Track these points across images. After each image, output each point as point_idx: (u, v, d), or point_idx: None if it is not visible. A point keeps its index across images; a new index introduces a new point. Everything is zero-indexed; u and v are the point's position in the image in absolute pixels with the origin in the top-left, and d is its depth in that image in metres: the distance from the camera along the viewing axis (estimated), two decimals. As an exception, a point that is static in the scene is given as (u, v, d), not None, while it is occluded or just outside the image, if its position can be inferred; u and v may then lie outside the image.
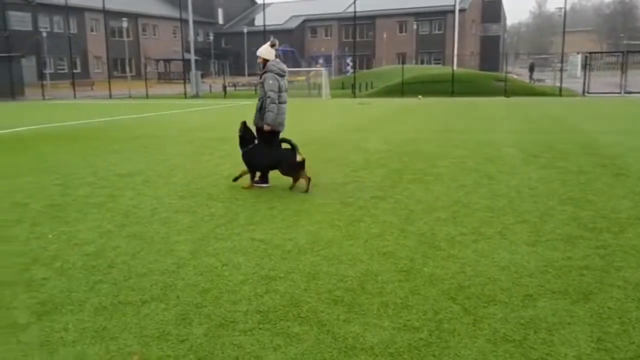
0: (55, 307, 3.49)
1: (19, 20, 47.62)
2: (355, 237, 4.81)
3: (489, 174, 7.58)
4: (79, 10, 52.12)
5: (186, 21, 37.41)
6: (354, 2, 34.31)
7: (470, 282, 3.78)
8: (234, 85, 42.45)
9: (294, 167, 6.51)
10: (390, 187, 6.83)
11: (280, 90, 6.65)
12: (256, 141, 6.81)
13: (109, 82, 35.95)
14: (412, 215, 5.51)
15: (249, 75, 56.80)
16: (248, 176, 6.85)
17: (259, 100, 6.83)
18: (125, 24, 43.96)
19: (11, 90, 33.35)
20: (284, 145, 6.64)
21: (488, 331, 3.10)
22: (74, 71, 40.32)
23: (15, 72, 34.61)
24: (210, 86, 39.58)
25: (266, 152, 6.72)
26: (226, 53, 69.77)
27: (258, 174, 6.90)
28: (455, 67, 33.15)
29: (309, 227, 5.11)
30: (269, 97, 6.57)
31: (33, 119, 18.33)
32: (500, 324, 3.18)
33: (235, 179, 6.98)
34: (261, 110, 6.73)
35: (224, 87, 35.99)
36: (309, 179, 6.56)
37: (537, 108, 20.28)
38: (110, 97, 34.25)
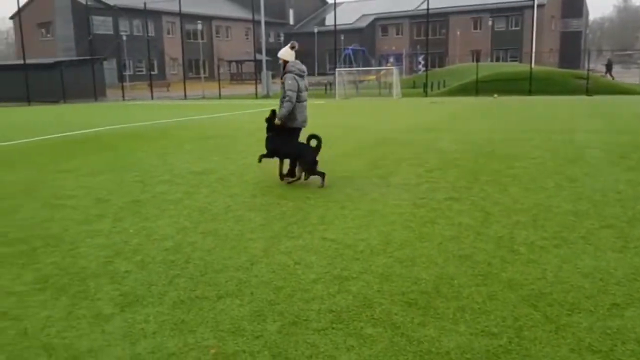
0: (136, 299, 3.62)
1: (101, 25, 50.12)
2: (429, 239, 4.70)
3: (570, 176, 7.23)
4: (157, 14, 54.29)
5: (258, 22, 38.11)
6: (427, 0, 33.75)
7: (552, 289, 3.61)
8: (304, 85, 42.82)
9: (312, 165, 6.92)
10: (466, 188, 6.65)
11: (299, 90, 7.02)
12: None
13: (184, 83, 37.21)
14: (489, 217, 5.33)
15: (319, 74, 57.18)
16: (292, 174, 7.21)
17: (281, 99, 7.15)
18: (199, 27, 45.40)
19: (94, 91, 35.20)
20: (312, 142, 7.01)
21: (572, 340, 2.94)
22: (151, 73, 41.99)
23: (97, 74, 36.54)
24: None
25: (284, 142, 7.11)
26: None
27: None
28: (533, 65, 31.90)
29: (382, 228, 5.05)
30: (286, 95, 6.91)
31: (114, 119, 19.23)
32: (585, 333, 3.01)
33: (260, 160, 7.51)
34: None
35: (295, 87, 36.35)
36: (323, 174, 6.92)
37: (623, 107, 19.20)
38: (185, 97, 35.44)
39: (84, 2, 44.54)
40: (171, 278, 3.97)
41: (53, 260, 4.43)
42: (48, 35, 56.21)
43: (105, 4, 50.37)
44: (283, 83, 7.01)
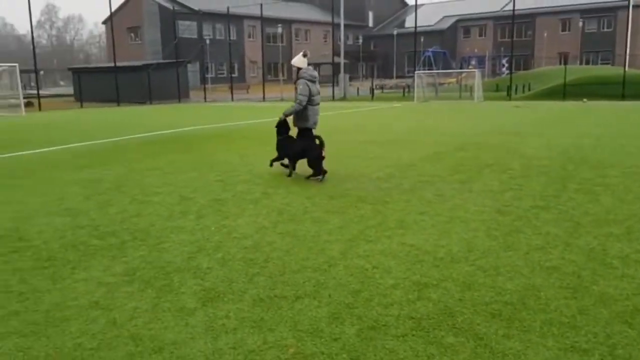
0: (218, 295, 3.71)
1: (186, 29, 52.12)
2: (514, 249, 4.52)
3: (669, 186, 6.73)
4: (239, 18, 55.84)
5: (337, 25, 38.33)
6: (513, 0, 32.66)
7: (650, 307, 3.36)
8: (381, 88, 42.65)
9: (318, 160, 7.54)
10: (554, 196, 6.34)
11: (312, 94, 7.70)
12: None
13: (263, 86, 38.04)
14: (579, 228, 5.05)
15: (397, 77, 56.72)
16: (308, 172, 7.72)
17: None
18: (280, 30, 46.26)
19: (178, 93, 36.67)
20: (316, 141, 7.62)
21: (674, 364, 2.72)
22: (232, 75, 43.21)
23: (181, 76, 38.07)
24: (358, 89, 40.15)
25: (294, 143, 7.85)
26: (375, 55, 70.37)
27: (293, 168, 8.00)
28: (627, 68, 30.10)
29: (463, 235, 4.91)
30: (297, 99, 7.61)
31: (196, 120, 19.94)
32: (688, 357, 2.78)
33: (271, 164, 8.17)
34: (297, 112, 7.75)
35: (372, 90, 36.29)
36: (325, 172, 7.59)
37: None
38: (264, 99, 36.20)
39: (171, 8, 46.58)
40: (251, 276, 4.04)
41: (140, 254, 4.62)
42: (137, 39, 59.14)
43: (190, 9, 52.37)
44: (295, 88, 7.68)
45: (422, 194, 6.59)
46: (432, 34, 62.42)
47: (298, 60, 7.81)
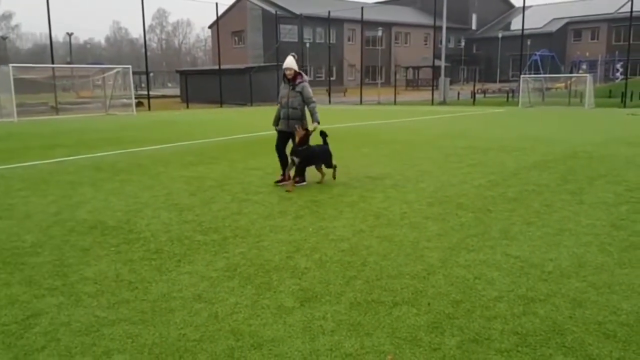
0: (315, 295, 3.73)
1: (287, 33, 53.35)
2: (631, 266, 4.17)
3: None
4: (339, 22, 56.35)
5: (439, 28, 37.61)
6: (631, 1, 30.45)
7: None
8: (484, 93, 41.32)
9: (331, 161, 7.74)
10: (676, 211, 5.81)
11: None
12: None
13: (361, 89, 38.08)
14: None
15: (501, 81, 54.72)
16: (289, 182, 7.51)
17: (289, 108, 7.57)
18: (379, 33, 46.13)
19: (277, 95, 37.59)
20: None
21: None
22: (330, 79, 43.65)
23: (281, 79, 38.97)
24: (459, 93, 39.16)
25: (316, 149, 7.71)
26: (477, 59, 68.35)
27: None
28: None
29: (574, 249, 4.60)
30: (313, 102, 7.57)
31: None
32: None
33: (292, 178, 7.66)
34: (294, 117, 7.54)
35: (473, 94, 35.26)
36: (324, 174, 7.79)
37: None
38: (361, 103, 36.24)
39: (273, 12, 47.86)
40: (348, 279, 4.02)
41: (241, 251, 4.75)
42: (240, 43, 61.37)
43: (292, 13, 53.59)
44: (299, 92, 7.47)
45: (529, 204, 6.27)
46: (540, 37, 59.60)
47: (295, 63, 7.57)
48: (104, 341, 3.13)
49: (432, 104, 33.22)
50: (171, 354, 2.98)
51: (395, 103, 34.84)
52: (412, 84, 59.20)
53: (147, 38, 33.91)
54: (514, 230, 5.21)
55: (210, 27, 65.83)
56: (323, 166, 7.81)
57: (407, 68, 62.72)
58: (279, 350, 2.99)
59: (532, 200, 6.43)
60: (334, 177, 7.84)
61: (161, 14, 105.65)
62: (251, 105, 35.18)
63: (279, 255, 4.62)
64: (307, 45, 50.72)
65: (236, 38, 61.96)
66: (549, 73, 43.13)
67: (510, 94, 35.51)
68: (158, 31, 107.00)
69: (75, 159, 10.72)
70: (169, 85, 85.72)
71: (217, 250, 4.78)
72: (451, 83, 38.90)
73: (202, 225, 5.60)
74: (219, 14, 42.43)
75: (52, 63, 31.45)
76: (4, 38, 59.29)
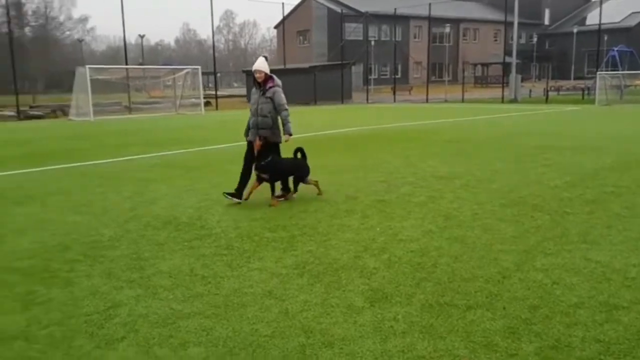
0: (385, 296, 3.68)
1: (352, 31, 53.21)
2: None
3: None
4: (405, 19, 55.70)
5: (510, 24, 36.47)
6: None
7: None
8: (557, 90, 39.73)
9: (306, 175, 6.85)
10: None
11: None
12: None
13: (427, 87, 37.49)
14: None
15: (576, 78, 52.48)
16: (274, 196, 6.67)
17: (258, 115, 6.66)
18: (447, 30, 45.26)
19: (341, 94, 37.62)
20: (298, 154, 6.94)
21: None
22: (395, 77, 43.23)
23: (345, 78, 38.97)
24: (530, 90, 37.82)
25: (286, 162, 6.86)
26: (550, 55, 65.73)
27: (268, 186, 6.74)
28: None
29: (660, 255, 4.34)
30: (286, 109, 6.64)
31: (359, 121, 20.26)
32: None
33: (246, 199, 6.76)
34: (264, 126, 6.63)
35: (546, 92, 33.98)
36: (316, 181, 6.99)
37: None
38: (427, 101, 35.69)
39: (339, 11, 47.92)
40: (418, 280, 3.95)
41: (309, 249, 4.77)
42: (305, 42, 61.80)
43: (357, 11, 53.42)
44: (269, 98, 6.60)
45: (608, 206, 5.96)
46: (618, 32, 56.60)
47: (266, 66, 6.60)
48: (180, 333, 3.21)
49: (502, 101, 32.25)
50: (244, 348, 3.02)
51: (463, 101, 34.08)
52: (481, 81, 57.71)
53: (214, 39, 34.80)
54: (594, 233, 4.97)
55: (275, 27, 66.68)
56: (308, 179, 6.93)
57: (475, 65, 61.19)
58: (350, 349, 2.97)
59: (611, 203, 6.11)
60: (319, 193, 6.93)
61: (228, 16, 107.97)
62: (315, 104, 35.38)
63: (346, 254, 4.60)
64: (372, 43, 50.39)
65: (301, 37, 62.45)
66: (628, 70, 40.98)
67: (586, 92, 33.97)
68: (225, 32, 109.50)
69: (148, 157, 11.12)
70: (235, 85, 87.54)
71: (286, 248, 4.82)
72: (522, 80, 37.59)
73: (270, 223, 5.66)
74: (285, 14, 42.98)
75: (126, 64, 32.83)
76: (80, 40, 62.31)
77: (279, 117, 6.72)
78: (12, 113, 26.84)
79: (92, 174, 9.07)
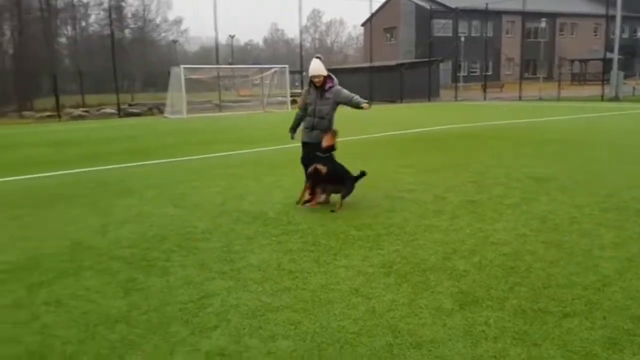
0: (475, 300, 3.58)
1: (441, 28, 52.13)
2: None
3: None
4: (497, 14, 53.72)
5: (612, 17, 34.29)
6: None
7: None
8: (665, 87, 36.89)
9: (347, 192, 6.31)
10: None
11: None
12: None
13: (520, 84, 36.04)
14: None
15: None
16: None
17: (315, 117, 6.39)
18: (542, 25, 43.27)
19: (428, 91, 36.97)
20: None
21: None
22: (486, 73, 41.89)
23: (433, 75, 38.26)
24: (634, 88, 35.38)
25: (341, 166, 6.41)
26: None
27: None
28: None
29: None
30: (354, 95, 6.39)
31: (447, 119, 19.81)
32: None
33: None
34: (321, 127, 6.38)
35: (651, 89, 31.65)
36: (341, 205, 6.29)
37: None
38: (520, 99, 34.31)
39: (427, 7, 47.12)
40: (511, 285, 3.81)
41: (395, 248, 4.72)
42: (392, 40, 61.25)
43: (447, 7, 52.28)
44: (329, 98, 6.33)
45: None
46: None
47: (322, 68, 6.30)
48: (269, 325, 3.29)
49: (602, 100, 30.39)
50: (332, 344, 3.04)
51: (559, 99, 32.45)
52: (578, 78, 54.70)
53: (301, 38, 35.27)
54: None
55: (362, 24, 66.60)
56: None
57: (572, 61, 58.05)
58: (439, 352, 2.91)
59: None
60: (332, 210, 6.17)
61: (315, 15, 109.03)
62: (401, 102, 35.01)
63: (435, 255, 4.52)
64: (462, 39, 49.11)
65: (388, 34, 61.98)
66: None
67: None
68: (312, 31, 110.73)
69: (237, 154, 11.47)
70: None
71: (372, 246, 4.80)
72: (625, 77, 35.24)
73: (356, 221, 5.66)
74: (373, 11, 42.85)
75: (217, 64, 34.03)
76: (174, 42, 65.22)
77: (333, 119, 6.51)
78: (113, 110, 28.64)
79: (185, 169, 9.48)
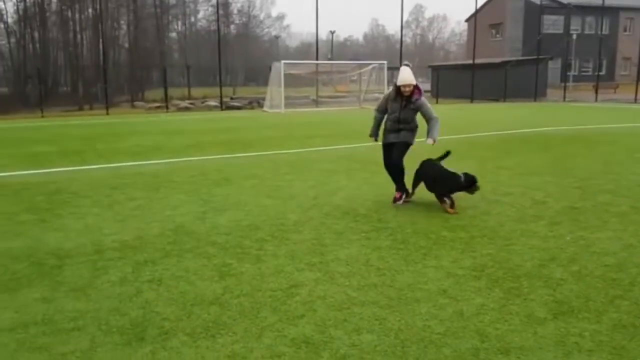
0: (571, 310, 3.42)
1: (551, 24, 49.59)
2: None
3: None
4: (614, 10, 50.27)
5: None
6: None
7: None
8: None
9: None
10: None
11: None
12: None
13: (636, 85, 33.49)
14: None
15: None
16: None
17: (400, 123, 6.34)
18: (665, 22, 39.91)
19: (534, 91, 35.29)
20: None
21: None
22: (599, 73, 39.32)
23: (540, 74, 36.45)
24: None
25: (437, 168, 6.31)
26: None
27: None
28: None
29: None
30: (436, 117, 6.32)
31: (554, 120, 18.84)
32: None
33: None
34: (406, 129, 6.37)
35: None
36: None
37: None
38: (635, 101, 31.92)
39: (537, 3, 44.91)
40: (612, 298, 3.59)
41: (489, 252, 4.60)
42: (497, 36, 59.04)
43: (559, 2, 49.60)
44: (414, 109, 6.26)
45: None
46: None
47: (413, 77, 6.18)
48: (355, 319, 3.33)
49: None
50: (416, 342, 3.03)
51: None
52: None
53: (402, 33, 34.92)
54: None
55: (466, 20, 64.80)
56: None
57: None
58: (527, 359, 2.82)
59: None
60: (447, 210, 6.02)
61: (418, 10, 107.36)
62: (504, 101, 33.73)
63: (530, 261, 4.35)
64: (574, 36, 46.43)
65: (493, 31, 59.84)
66: None
67: None
68: (413, 26, 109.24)
69: (332, 149, 11.60)
70: (420, 80, 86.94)
71: (464, 249, 4.70)
72: None
73: (449, 222, 5.56)
74: (478, 6, 41.54)
75: (317, 60, 34.51)
76: (276, 37, 66.89)
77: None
78: (215, 103, 29.91)
79: (282, 162, 9.74)
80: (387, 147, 6.60)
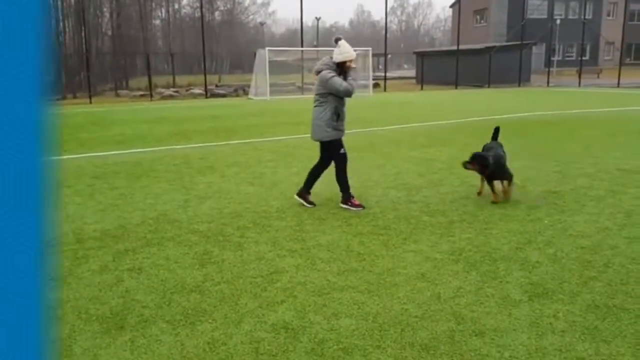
0: (545, 292, 3.49)
1: (536, 9, 49.73)
2: None
3: None
4: (598, -5, 50.61)
5: None
6: None
7: None
8: None
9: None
10: None
11: None
12: None
13: (619, 70, 33.78)
14: None
15: None
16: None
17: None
18: (647, 6, 40.22)
19: (518, 76, 35.45)
20: None
21: None
22: (582, 58, 39.58)
23: (524, 59, 36.60)
24: None
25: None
26: None
27: None
28: None
29: None
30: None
31: (537, 105, 18.97)
32: None
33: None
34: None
35: None
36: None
37: None
38: (618, 85, 32.21)
39: (522, -12, 44.97)
40: (586, 279, 3.67)
41: (467, 236, 4.66)
42: (482, 22, 59.11)
43: (543, -13, 49.78)
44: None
45: None
46: None
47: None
48: (334, 304, 3.37)
49: None
50: (393, 325, 3.08)
51: (661, 86, 30.18)
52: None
53: (387, 20, 34.77)
54: None
55: (451, 6, 64.77)
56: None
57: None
58: (501, 341, 2.88)
59: None
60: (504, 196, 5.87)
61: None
62: (488, 87, 33.87)
63: (507, 245, 4.42)
64: (557, 21, 46.61)
65: (478, 17, 59.89)
66: None
67: None
68: (399, 12, 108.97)
69: (317, 135, 11.59)
70: (405, 66, 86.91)
71: (443, 233, 4.76)
72: None
73: (429, 207, 5.62)
74: (462, -7, 41.45)
75: (302, 46, 34.34)
76: (262, 24, 66.34)
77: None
78: (200, 91, 29.71)
79: (265, 149, 9.74)
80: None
